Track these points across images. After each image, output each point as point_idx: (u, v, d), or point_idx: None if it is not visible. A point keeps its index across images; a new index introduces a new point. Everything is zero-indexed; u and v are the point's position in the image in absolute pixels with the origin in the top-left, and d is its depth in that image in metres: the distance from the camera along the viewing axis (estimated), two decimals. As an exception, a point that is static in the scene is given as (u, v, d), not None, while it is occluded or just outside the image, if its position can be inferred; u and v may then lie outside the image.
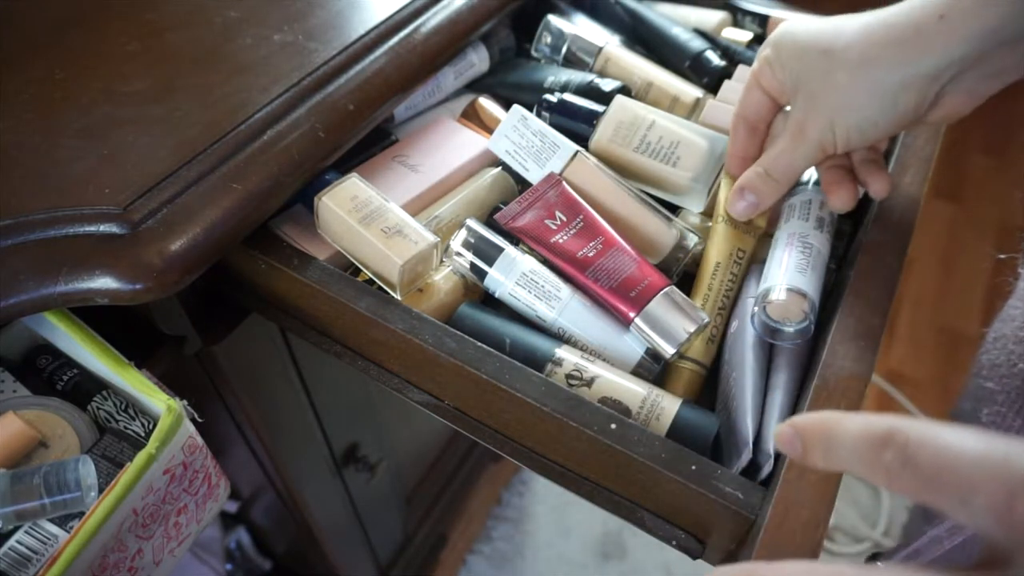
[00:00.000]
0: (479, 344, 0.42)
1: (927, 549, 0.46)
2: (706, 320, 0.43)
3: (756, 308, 0.42)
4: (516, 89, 0.62)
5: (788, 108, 0.46)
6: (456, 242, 0.47)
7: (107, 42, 0.56)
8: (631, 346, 0.44)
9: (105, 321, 0.47)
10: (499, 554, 1.36)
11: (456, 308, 0.47)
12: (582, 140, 0.52)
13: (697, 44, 0.61)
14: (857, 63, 0.39)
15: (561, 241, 0.46)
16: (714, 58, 0.60)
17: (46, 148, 0.47)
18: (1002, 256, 0.45)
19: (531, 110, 0.53)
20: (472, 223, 0.48)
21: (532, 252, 0.48)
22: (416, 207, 0.53)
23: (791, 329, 0.41)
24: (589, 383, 0.41)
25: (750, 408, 0.39)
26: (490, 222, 0.50)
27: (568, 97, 0.55)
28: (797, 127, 0.43)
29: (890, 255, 0.44)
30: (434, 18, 0.58)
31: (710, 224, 0.50)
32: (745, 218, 0.47)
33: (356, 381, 0.78)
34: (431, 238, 0.46)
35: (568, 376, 0.42)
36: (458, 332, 0.42)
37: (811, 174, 0.51)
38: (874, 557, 0.57)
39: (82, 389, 0.47)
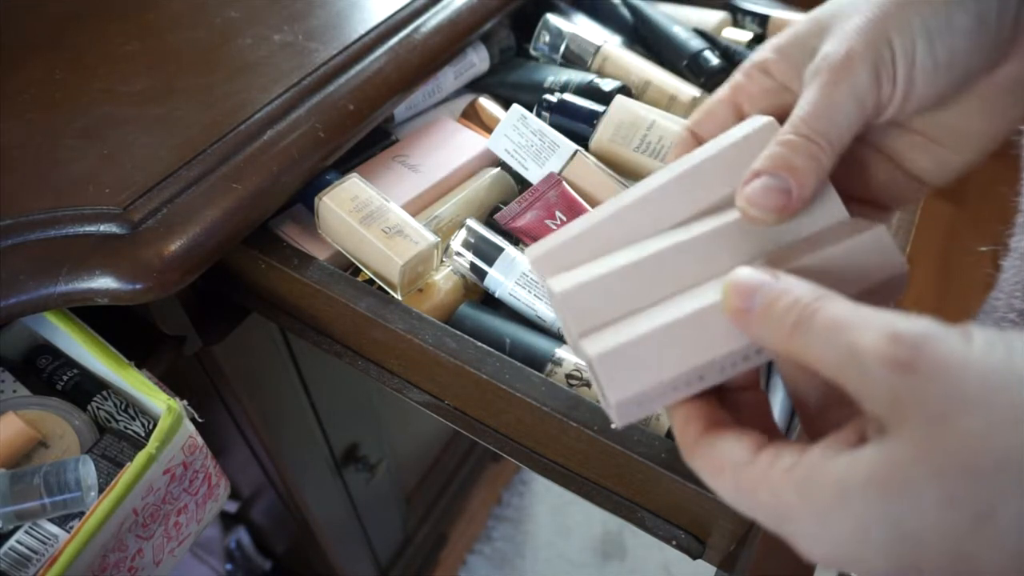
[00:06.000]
0: (479, 344, 0.42)
1: None
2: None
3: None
4: (516, 89, 0.62)
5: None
6: (456, 242, 0.47)
7: (107, 42, 0.56)
8: (631, 346, 0.44)
9: (105, 321, 0.47)
10: (499, 554, 1.36)
11: (456, 308, 0.47)
12: (582, 140, 0.52)
13: (695, 44, 0.61)
14: None
15: (561, 241, 0.46)
16: (712, 58, 0.60)
17: (46, 148, 0.47)
18: (983, 248, 0.44)
19: (531, 110, 0.53)
20: (472, 223, 0.48)
21: (532, 252, 0.48)
22: (416, 207, 0.53)
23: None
24: (589, 383, 0.41)
25: (750, 408, 0.39)
26: (490, 222, 0.50)
27: (568, 97, 0.55)
28: (836, 58, 0.27)
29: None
30: (434, 18, 0.58)
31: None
32: (780, 214, 0.27)
33: (356, 381, 0.78)
34: (431, 238, 0.46)
35: (568, 376, 0.42)
36: (458, 332, 0.42)
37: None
38: None
39: (82, 389, 0.47)
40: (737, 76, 0.31)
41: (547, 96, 0.55)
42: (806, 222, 0.28)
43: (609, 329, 0.25)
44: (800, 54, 0.29)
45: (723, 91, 0.31)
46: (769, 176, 0.27)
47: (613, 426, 0.24)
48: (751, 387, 0.29)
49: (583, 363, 0.42)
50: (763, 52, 0.30)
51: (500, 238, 0.47)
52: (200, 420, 0.48)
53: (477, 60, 0.63)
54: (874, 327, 0.20)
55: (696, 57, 0.60)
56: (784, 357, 0.23)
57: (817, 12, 0.29)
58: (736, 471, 0.23)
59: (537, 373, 0.40)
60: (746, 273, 0.24)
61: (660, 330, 0.25)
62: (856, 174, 0.31)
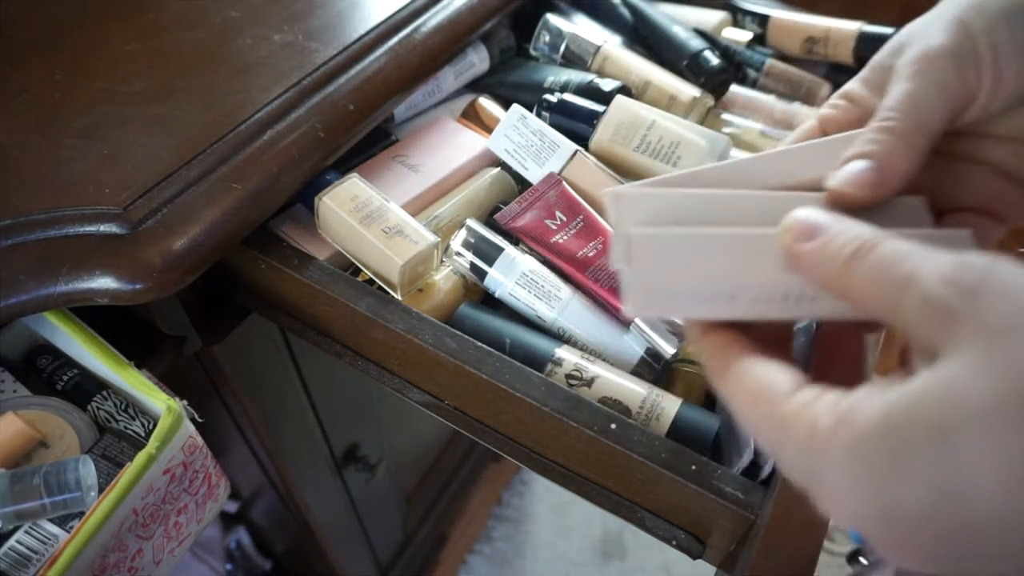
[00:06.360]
0: (479, 344, 0.42)
1: None
2: (706, 320, 0.43)
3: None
4: (516, 89, 0.62)
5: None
6: (456, 242, 0.47)
7: (107, 42, 0.56)
8: (631, 346, 0.44)
9: (105, 321, 0.47)
10: (499, 554, 1.36)
11: (456, 308, 0.47)
12: (582, 140, 0.52)
13: (695, 44, 0.61)
14: None
15: (561, 241, 0.46)
16: (712, 58, 0.60)
17: (46, 148, 0.47)
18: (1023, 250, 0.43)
19: (531, 110, 0.53)
20: (472, 223, 0.48)
21: (532, 252, 0.48)
22: (416, 207, 0.53)
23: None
24: (589, 383, 0.41)
25: (750, 408, 0.39)
26: (490, 222, 0.50)
27: (568, 97, 0.55)
28: (916, 54, 0.28)
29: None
30: (434, 18, 0.58)
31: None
32: (872, 190, 0.27)
33: (356, 381, 0.78)
34: (431, 238, 0.46)
35: (568, 376, 0.42)
36: (458, 332, 0.42)
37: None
38: (855, 554, 0.56)
39: (82, 389, 0.47)
40: (824, 108, 0.31)
41: (547, 96, 0.55)
42: (891, 219, 0.27)
43: (660, 226, 0.26)
44: (881, 76, 0.29)
45: (811, 122, 0.32)
46: (859, 159, 0.27)
47: (627, 308, 0.24)
48: (783, 344, 0.28)
49: (585, 361, 0.42)
50: (848, 84, 0.31)
51: (500, 238, 0.47)
52: (200, 420, 0.48)
53: (477, 60, 0.63)
54: (938, 257, 0.19)
55: (696, 57, 0.60)
56: (833, 293, 0.22)
57: (897, 35, 0.30)
58: (773, 401, 0.21)
59: (537, 373, 0.40)
60: (810, 211, 0.23)
61: (709, 236, 0.25)
62: (968, 188, 0.31)
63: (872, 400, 0.19)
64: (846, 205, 0.27)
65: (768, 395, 0.22)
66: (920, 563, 0.19)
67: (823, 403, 0.20)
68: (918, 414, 0.18)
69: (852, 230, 0.22)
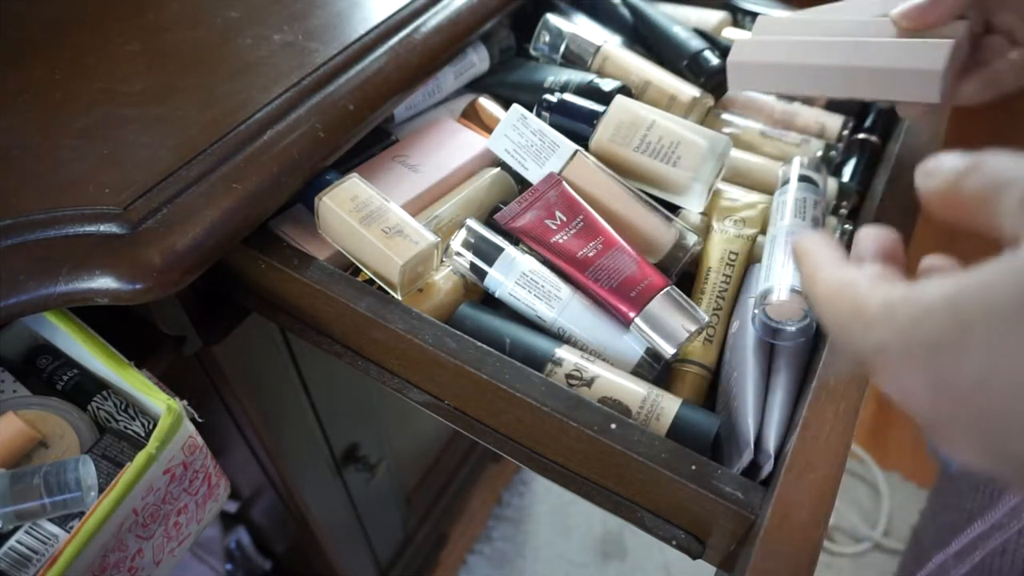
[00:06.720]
0: (479, 344, 0.42)
1: None
2: (706, 320, 0.43)
3: (756, 310, 0.42)
4: (516, 89, 0.62)
5: None
6: (456, 242, 0.47)
7: (107, 42, 0.56)
8: (631, 346, 0.44)
9: (105, 321, 0.47)
10: (499, 554, 1.36)
11: (456, 308, 0.47)
12: (582, 140, 0.52)
13: (696, 44, 0.61)
14: None
15: (561, 241, 0.46)
16: (712, 58, 0.60)
17: (46, 148, 0.47)
18: None
19: (531, 110, 0.53)
20: (472, 223, 0.48)
21: (532, 252, 0.48)
22: (416, 207, 0.53)
23: (792, 328, 0.41)
24: (589, 383, 0.41)
25: (751, 408, 0.39)
26: (490, 222, 0.50)
27: (568, 97, 0.55)
28: None
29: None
30: (434, 18, 0.58)
31: (712, 224, 0.50)
32: (918, 21, 0.41)
33: (356, 381, 0.78)
34: (431, 238, 0.46)
35: (568, 376, 0.42)
36: (458, 332, 0.42)
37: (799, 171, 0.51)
38: None
39: (82, 389, 0.47)
40: None
41: (547, 96, 0.55)
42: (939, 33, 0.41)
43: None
44: None
45: None
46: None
47: (730, 84, 0.45)
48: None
49: (585, 361, 0.42)
50: None
51: (500, 238, 0.47)
52: (200, 420, 0.48)
53: (477, 60, 0.63)
54: None
55: (696, 57, 0.60)
56: (943, 210, 0.23)
57: None
58: (855, 286, 0.23)
59: (537, 373, 0.40)
60: (934, 157, 0.25)
61: (801, 21, 0.45)
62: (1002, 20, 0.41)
63: (944, 280, 0.20)
64: (905, 28, 0.40)
65: (852, 286, 0.24)
66: (964, 444, 0.19)
67: (899, 284, 0.22)
68: (989, 289, 0.18)
69: (959, 158, 0.23)
